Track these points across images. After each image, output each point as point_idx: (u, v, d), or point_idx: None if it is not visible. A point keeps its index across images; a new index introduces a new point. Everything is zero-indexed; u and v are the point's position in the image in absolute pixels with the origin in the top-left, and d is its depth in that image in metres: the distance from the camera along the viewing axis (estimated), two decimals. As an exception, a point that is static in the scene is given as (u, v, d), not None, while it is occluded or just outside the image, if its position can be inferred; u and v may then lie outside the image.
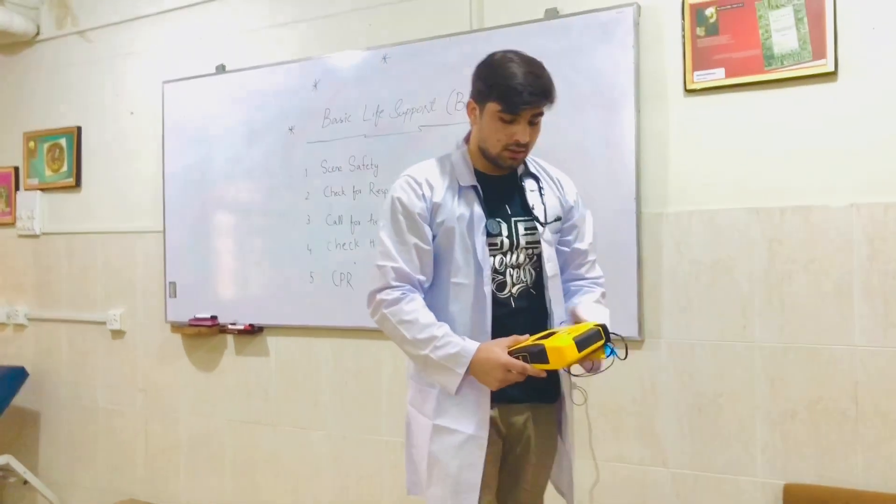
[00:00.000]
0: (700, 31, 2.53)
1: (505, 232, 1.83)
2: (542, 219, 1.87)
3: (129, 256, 3.75)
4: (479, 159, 1.86)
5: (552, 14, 2.73)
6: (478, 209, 1.80)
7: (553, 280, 1.88)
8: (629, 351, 1.82)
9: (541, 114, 1.80)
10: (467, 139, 1.91)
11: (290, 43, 3.32)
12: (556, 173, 2.00)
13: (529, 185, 1.91)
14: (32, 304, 4.09)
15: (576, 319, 1.87)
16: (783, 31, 2.41)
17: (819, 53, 2.36)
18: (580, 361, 1.68)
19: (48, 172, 3.98)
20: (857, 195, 2.34)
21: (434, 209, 1.79)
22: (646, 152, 2.61)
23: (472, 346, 1.71)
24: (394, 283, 1.77)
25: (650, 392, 2.62)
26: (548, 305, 1.87)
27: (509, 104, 1.73)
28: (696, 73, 2.53)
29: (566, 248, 1.97)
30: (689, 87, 2.55)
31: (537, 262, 1.87)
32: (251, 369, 3.41)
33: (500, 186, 1.87)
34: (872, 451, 2.31)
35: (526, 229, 1.86)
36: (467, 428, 1.76)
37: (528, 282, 1.86)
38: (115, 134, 3.81)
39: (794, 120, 2.41)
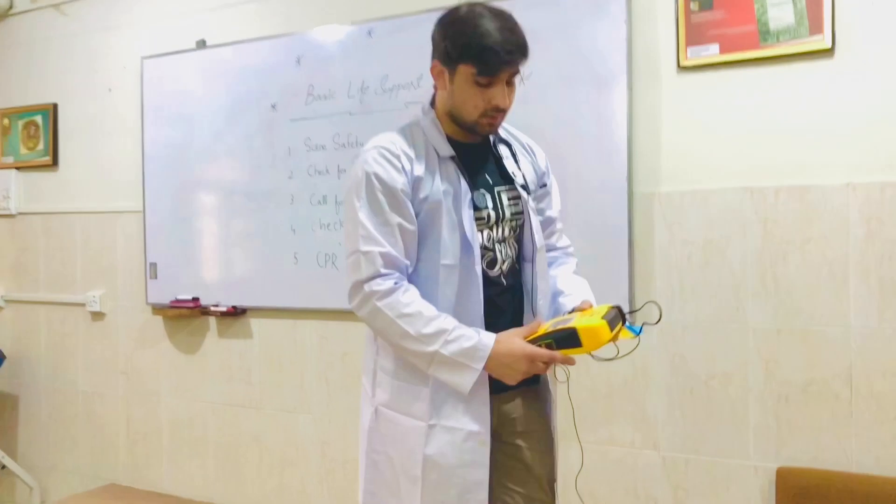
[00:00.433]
0: (694, 6, 2.46)
1: (490, 204, 1.70)
2: (527, 186, 1.77)
3: (109, 237, 3.67)
4: (449, 126, 1.71)
5: (542, -12, 2.66)
6: (462, 182, 1.66)
7: (540, 253, 1.77)
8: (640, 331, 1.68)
9: (518, 73, 1.64)
10: (433, 103, 1.74)
11: (272, 17, 3.23)
12: (524, 138, 1.88)
13: (503, 151, 1.79)
14: (10, 285, 4.00)
15: (557, 293, 1.82)
16: (779, 5, 2.34)
17: (816, 29, 2.30)
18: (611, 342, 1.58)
19: (23, 150, 3.88)
20: (854, 174, 2.29)
21: (415, 184, 1.63)
22: (638, 131, 2.55)
23: (488, 338, 1.57)
24: (384, 271, 1.60)
25: (641, 374, 2.58)
26: (533, 280, 1.76)
27: (486, 66, 1.57)
28: (689, 49, 2.47)
29: (539, 217, 1.84)
30: (682, 64, 2.49)
31: (519, 234, 1.77)
32: (234, 352, 3.35)
33: (475, 155, 1.73)
34: (867, 434, 2.28)
35: (510, 199, 1.74)
36: (467, 424, 1.62)
37: (514, 256, 1.76)
38: (93, 111, 3.71)
39: (789, 97, 2.36)
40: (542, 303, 1.76)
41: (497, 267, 1.71)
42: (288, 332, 3.22)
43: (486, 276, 1.67)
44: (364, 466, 1.77)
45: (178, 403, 3.51)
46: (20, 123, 3.87)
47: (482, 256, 1.68)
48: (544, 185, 1.86)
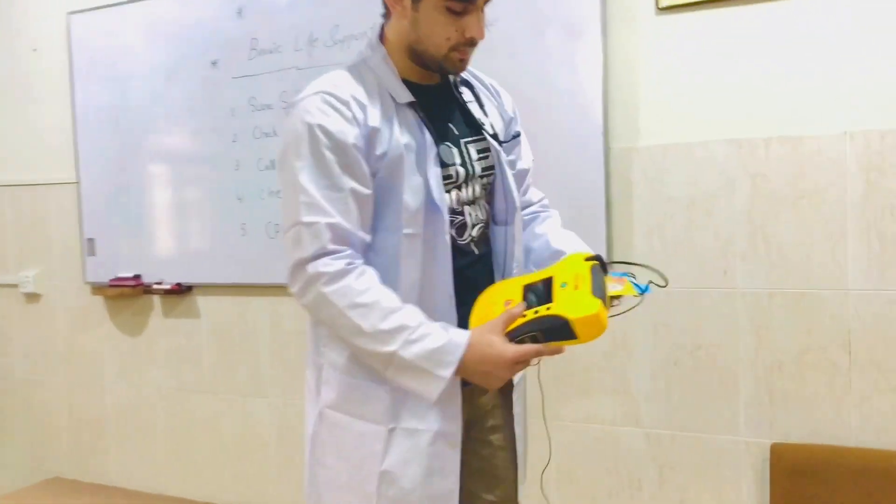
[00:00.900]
0: (674, -61, 2.23)
1: (458, 160, 1.45)
2: (497, 135, 1.52)
3: (41, 211, 3.39)
4: (404, 64, 1.43)
5: (506, -77, 2.41)
6: (426, 133, 1.40)
7: (518, 212, 1.53)
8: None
9: None
10: (382, 37, 1.47)
11: (210, -35, 2.94)
12: (487, 79, 1.62)
13: (466, 95, 1.53)
14: (-63, 267, 3.70)
15: (555, 253, 1.56)
16: (768, -64, 2.12)
17: (809, -39, 2.09)
18: None
19: (-56, 119, 3.55)
20: (851, 122, 2.10)
21: (371, 137, 1.35)
22: (614, 80, 2.34)
23: (460, 336, 1.30)
24: (332, 248, 1.31)
25: (621, 345, 2.40)
26: (506, 246, 1.52)
27: None
28: (669, -13, 2.24)
29: (511, 171, 1.59)
30: (661, 5, 2.27)
31: (490, 193, 1.53)
32: (181, 333, 3.13)
33: (437, 100, 1.47)
34: (867, 405, 2.12)
35: (479, 153, 1.49)
36: (434, 423, 1.36)
37: (485, 220, 1.51)
38: (16, 74, 3.40)
39: (780, 39, 2.15)
40: (516, 272, 1.52)
41: (467, 233, 1.47)
42: (238, 310, 2.99)
43: (455, 245, 1.43)
44: (307, 480, 1.50)
45: (123, 389, 3.30)
46: (-61, 89, 3.54)
47: (451, 222, 1.43)
48: (517, 135, 1.61)
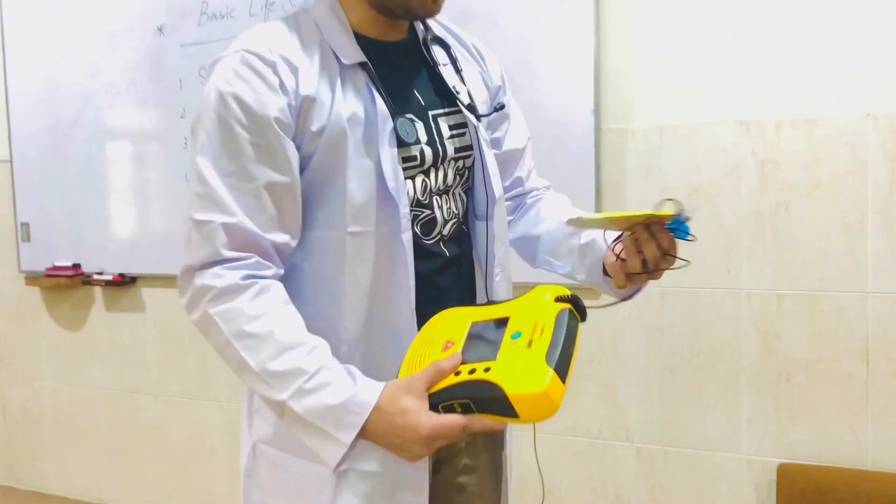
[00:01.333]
0: None
1: (423, 137, 1.15)
2: (475, 107, 1.23)
3: (-28, 193, 3.15)
4: (361, 14, 1.14)
5: None
6: (379, 103, 1.10)
7: (499, 205, 1.24)
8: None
9: None
10: None
11: (157, -80, 2.70)
12: (468, 38, 1.33)
13: (438, 55, 1.24)
14: None
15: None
16: None
17: (831, -82, 1.85)
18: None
19: None
20: (874, 103, 1.88)
21: (304, 109, 1.06)
22: (607, 51, 2.12)
23: (368, 393, 0.99)
24: (227, 254, 1.03)
25: (611, 351, 2.18)
26: (488, 247, 1.23)
27: None
28: (671, -54, 2.00)
29: (496, 151, 1.33)
30: (661, -32, 2.03)
31: (469, 180, 1.24)
32: (125, 328, 2.91)
33: (398, 59, 1.18)
34: (886, 422, 1.92)
35: (452, 128, 1.20)
36: (394, 465, 1.06)
37: (461, 213, 1.23)
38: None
39: (794, 9, 1.94)
40: (501, 279, 1.24)
41: (436, 231, 1.18)
42: (186, 305, 2.74)
43: (419, 246, 1.14)
44: None
45: (61, 389, 3.10)
46: None
47: (414, 218, 1.15)
48: (501, 107, 1.33)
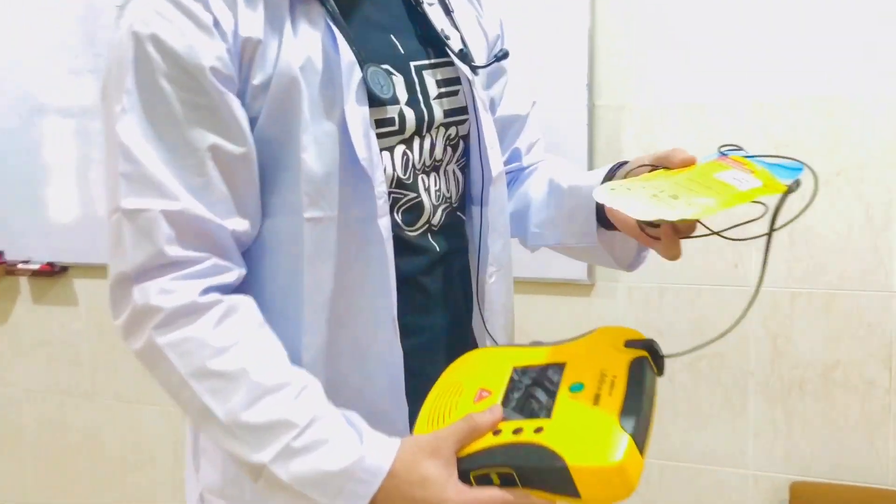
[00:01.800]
0: None
1: (403, 95, 0.91)
2: (470, 57, 0.99)
3: None
4: None
5: None
6: (342, 47, 0.84)
7: (497, 186, 1.00)
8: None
9: None
10: None
11: None
12: None
13: None
14: None
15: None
16: None
17: None
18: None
19: None
20: None
21: (246, 55, 0.82)
22: (602, 20, 1.94)
23: (379, 455, 0.76)
24: (174, 255, 0.79)
25: None
26: (481, 238, 0.99)
27: None
28: None
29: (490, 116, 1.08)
30: (665, -75, 1.84)
31: (465, 153, 1.00)
32: (55, 323, 2.72)
33: None
34: None
35: (440, 85, 0.96)
36: None
37: (453, 197, 1.00)
38: None
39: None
40: (497, 281, 1.00)
41: (423, 220, 0.94)
42: (124, 297, 2.53)
43: (400, 239, 0.91)
44: None
45: None
46: None
47: (394, 202, 0.91)
48: (504, 55, 1.06)
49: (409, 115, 0.90)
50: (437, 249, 0.95)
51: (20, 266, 2.63)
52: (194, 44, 0.78)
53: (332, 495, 0.74)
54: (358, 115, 0.83)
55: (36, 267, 2.61)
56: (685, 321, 1.90)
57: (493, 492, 0.72)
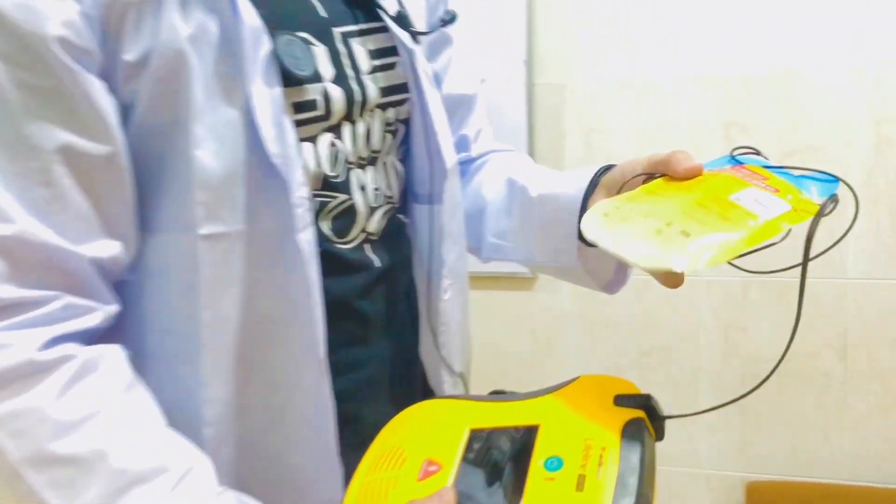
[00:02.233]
0: None
1: (327, 70, 0.71)
2: (409, 20, 0.80)
3: None
4: None
5: None
6: (244, 10, 0.63)
7: (451, 181, 0.81)
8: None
9: None
10: None
11: None
12: None
13: None
14: None
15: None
16: None
17: None
18: None
19: None
20: (864, 56, 1.60)
21: (111, 23, 0.59)
22: None
23: None
24: (7, 299, 0.57)
25: (545, 351, 1.86)
26: (431, 245, 0.82)
27: None
28: None
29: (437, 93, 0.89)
30: None
31: (406, 140, 0.82)
32: None
33: None
34: (865, 428, 1.69)
35: (373, 56, 0.77)
36: None
37: (396, 197, 0.82)
38: None
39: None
40: (452, 297, 0.83)
41: (357, 228, 0.75)
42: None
43: (330, 254, 0.72)
44: None
45: None
46: None
47: (321, 207, 0.71)
48: (451, 19, 0.87)
49: (337, 94, 0.71)
50: (378, 264, 0.76)
51: None
52: (34, 4, 0.56)
53: None
54: (267, 98, 0.64)
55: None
56: (633, 313, 1.78)
57: None
